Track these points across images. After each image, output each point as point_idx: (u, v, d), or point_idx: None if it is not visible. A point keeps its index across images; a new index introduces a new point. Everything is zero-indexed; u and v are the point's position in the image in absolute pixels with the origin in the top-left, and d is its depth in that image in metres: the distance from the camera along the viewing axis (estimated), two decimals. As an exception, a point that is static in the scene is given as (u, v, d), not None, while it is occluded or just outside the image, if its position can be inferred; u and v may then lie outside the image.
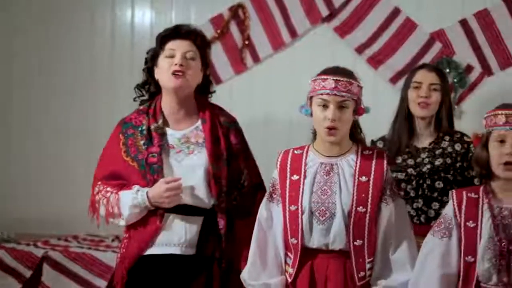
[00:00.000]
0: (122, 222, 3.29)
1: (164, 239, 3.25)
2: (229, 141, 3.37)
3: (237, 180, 3.37)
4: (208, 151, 3.30)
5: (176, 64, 3.27)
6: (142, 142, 3.31)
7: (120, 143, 3.35)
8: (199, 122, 3.37)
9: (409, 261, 3.06)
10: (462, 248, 2.96)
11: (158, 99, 3.38)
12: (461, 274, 2.96)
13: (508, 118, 2.94)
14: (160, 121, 3.33)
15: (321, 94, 3.05)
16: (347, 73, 3.10)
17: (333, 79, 3.04)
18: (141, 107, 3.43)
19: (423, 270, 2.99)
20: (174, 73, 3.27)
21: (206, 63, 3.43)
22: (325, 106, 3.04)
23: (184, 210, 3.27)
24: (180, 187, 3.19)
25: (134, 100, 3.46)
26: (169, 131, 3.34)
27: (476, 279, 2.93)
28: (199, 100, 3.43)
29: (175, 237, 3.26)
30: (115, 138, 3.38)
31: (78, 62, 5.15)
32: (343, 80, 3.04)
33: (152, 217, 3.26)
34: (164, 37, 3.35)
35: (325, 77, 3.07)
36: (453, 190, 3.07)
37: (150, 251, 3.26)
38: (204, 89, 3.47)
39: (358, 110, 3.12)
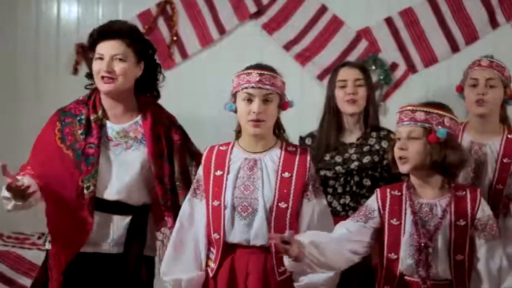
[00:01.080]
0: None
1: (93, 238, 3.20)
2: (171, 139, 3.35)
3: (184, 178, 3.34)
4: (149, 150, 3.27)
5: (103, 70, 3.22)
6: (80, 131, 3.25)
7: (55, 129, 3.28)
8: (139, 117, 3.33)
9: None
10: (386, 244, 3.00)
11: (98, 91, 3.33)
12: (384, 269, 3.01)
13: (413, 114, 2.99)
14: (100, 112, 3.27)
15: (246, 88, 3.07)
16: (270, 68, 3.13)
17: (258, 73, 3.07)
18: (81, 98, 3.36)
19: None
20: (104, 78, 3.23)
21: (145, 56, 3.37)
22: (249, 100, 3.06)
23: (113, 208, 3.24)
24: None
25: (86, 87, 3.39)
26: (108, 123, 3.30)
27: (399, 273, 2.98)
28: (140, 96, 3.39)
29: (103, 236, 3.22)
30: (50, 125, 3.31)
31: (1, 58, 5.03)
32: (267, 74, 3.08)
33: (81, 216, 3.19)
34: (94, 39, 3.29)
35: (249, 71, 3.09)
36: (378, 189, 3.11)
37: (81, 249, 3.21)
38: (145, 82, 3.41)
39: (283, 104, 3.14)
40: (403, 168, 2.99)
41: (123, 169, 3.24)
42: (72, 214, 3.19)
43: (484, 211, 2.99)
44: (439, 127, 2.94)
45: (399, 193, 3.04)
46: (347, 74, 3.72)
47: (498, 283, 2.92)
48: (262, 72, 3.08)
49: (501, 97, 3.55)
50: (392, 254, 2.99)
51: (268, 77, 3.08)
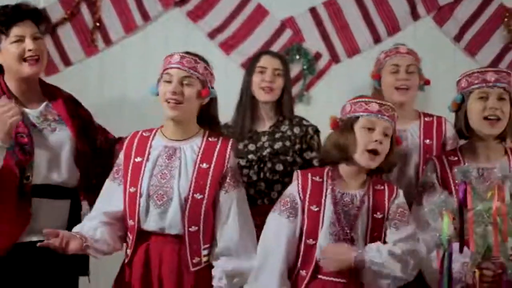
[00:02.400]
0: None
1: (35, 226, 3.14)
2: (82, 116, 3.33)
3: (94, 149, 3.34)
4: (72, 129, 3.24)
5: (30, 50, 3.18)
6: None
7: None
8: (46, 101, 3.30)
9: (252, 247, 3.11)
10: (305, 230, 3.03)
11: (1, 78, 3.26)
12: (301, 254, 3.04)
13: (381, 107, 3.03)
14: (13, 100, 3.18)
15: (167, 69, 3.06)
16: (199, 57, 3.12)
17: (179, 55, 3.07)
18: None
19: (270, 248, 3.05)
20: (29, 60, 3.17)
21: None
22: (169, 81, 3.05)
23: (50, 193, 3.19)
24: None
25: None
26: (26, 110, 3.23)
27: (315, 260, 3.01)
28: (40, 79, 3.37)
29: (46, 222, 3.14)
30: None
31: None
32: (188, 57, 3.08)
33: (19, 206, 3.13)
34: (6, 21, 3.21)
35: (173, 53, 3.09)
36: (298, 171, 3.14)
37: (21, 239, 3.15)
38: None
39: (201, 91, 3.11)
40: (374, 164, 3.01)
41: (55, 152, 3.21)
42: (10, 206, 3.12)
43: (395, 201, 3.05)
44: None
45: (320, 179, 3.07)
46: (268, 62, 3.75)
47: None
48: (184, 55, 3.08)
49: (418, 83, 3.65)
50: (311, 240, 3.02)
51: (189, 60, 3.08)
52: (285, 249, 3.03)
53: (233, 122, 3.79)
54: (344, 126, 3.06)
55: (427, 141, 3.57)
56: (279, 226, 3.06)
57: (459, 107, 3.14)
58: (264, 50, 3.98)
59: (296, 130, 3.71)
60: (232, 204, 3.10)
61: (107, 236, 3.06)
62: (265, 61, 3.76)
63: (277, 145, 3.68)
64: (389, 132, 3.02)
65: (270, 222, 3.10)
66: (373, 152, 2.99)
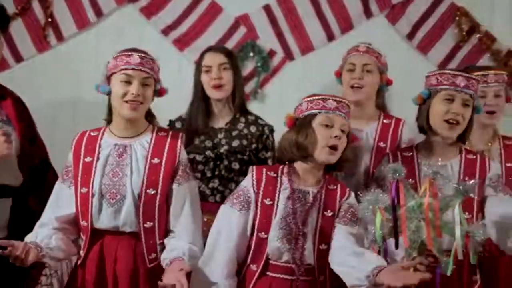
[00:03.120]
0: None
1: None
2: (26, 117, 3.29)
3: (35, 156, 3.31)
4: (18, 131, 3.19)
5: None
6: None
7: None
8: None
9: (201, 239, 3.12)
10: (257, 223, 3.03)
11: None
12: (252, 248, 3.04)
13: (338, 104, 3.05)
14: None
15: (125, 69, 3.04)
16: (146, 53, 3.12)
17: (139, 55, 3.05)
18: None
19: (219, 239, 3.04)
20: None
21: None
22: (128, 82, 3.03)
23: None
24: None
25: None
26: None
27: (266, 255, 3.02)
28: None
29: None
30: None
31: None
32: (148, 58, 3.07)
33: None
34: None
35: (130, 53, 3.07)
36: (254, 166, 3.14)
37: None
38: None
39: (160, 90, 3.15)
40: (334, 159, 3.04)
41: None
42: None
43: (346, 200, 3.08)
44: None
45: (275, 175, 3.08)
46: (212, 59, 3.74)
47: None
48: (143, 55, 3.07)
49: (377, 82, 3.66)
50: (263, 233, 3.03)
51: (149, 61, 3.08)
52: (235, 242, 3.03)
53: (187, 117, 3.77)
54: (302, 124, 3.07)
55: (381, 143, 3.60)
56: (230, 218, 3.06)
57: (424, 101, 3.17)
58: (207, 47, 3.94)
59: (253, 129, 3.71)
60: (186, 196, 3.11)
61: (61, 242, 3.04)
62: (208, 58, 3.75)
63: (235, 143, 3.68)
64: (345, 128, 3.05)
65: (221, 214, 3.11)
66: (333, 148, 3.01)
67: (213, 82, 3.69)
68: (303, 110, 3.10)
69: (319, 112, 3.05)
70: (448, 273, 2.74)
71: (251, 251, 3.04)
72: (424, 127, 3.18)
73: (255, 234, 3.04)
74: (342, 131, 3.03)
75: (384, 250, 2.75)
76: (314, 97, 3.09)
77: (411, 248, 2.72)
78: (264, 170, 3.11)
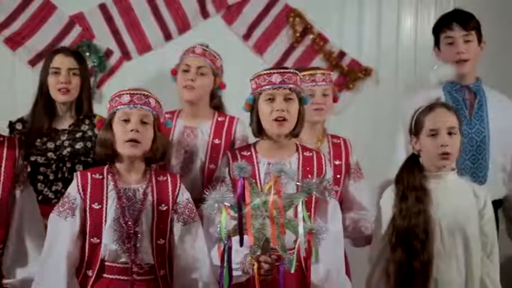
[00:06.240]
0: None
1: None
2: None
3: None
4: None
5: None
6: None
7: None
8: None
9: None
10: (88, 229, 2.99)
11: None
12: (86, 254, 3.00)
13: (132, 97, 3.04)
14: None
15: None
16: None
17: None
18: None
19: (51, 251, 2.98)
20: None
21: None
22: None
23: None
24: None
25: None
26: None
27: (100, 259, 2.99)
28: None
29: None
30: None
31: None
32: None
33: None
34: None
35: None
36: (78, 172, 3.10)
37: None
38: None
39: None
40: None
41: None
42: None
43: (183, 195, 3.10)
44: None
45: (101, 177, 3.05)
46: (61, 62, 3.65)
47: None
48: None
49: (210, 85, 3.71)
50: (95, 238, 2.99)
51: None
52: (66, 251, 2.96)
53: (30, 119, 3.66)
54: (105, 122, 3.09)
55: (216, 140, 3.65)
56: (58, 228, 2.99)
57: (252, 107, 3.22)
58: (58, 48, 3.85)
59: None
60: (26, 203, 3.09)
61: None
62: (59, 61, 3.65)
63: (78, 145, 3.62)
64: (147, 119, 3.04)
65: (51, 224, 3.04)
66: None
67: (60, 85, 3.61)
68: (109, 108, 3.11)
69: (117, 109, 3.04)
70: (292, 270, 2.80)
71: (86, 257, 3.00)
72: (256, 131, 3.23)
73: (87, 240, 2.99)
74: (145, 123, 3.03)
75: (228, 248, 2.78)
76: (114, 95, 3.08)
77: (256, 245, 2.77)
78: (89, 173, 3.07)
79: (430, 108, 3.12)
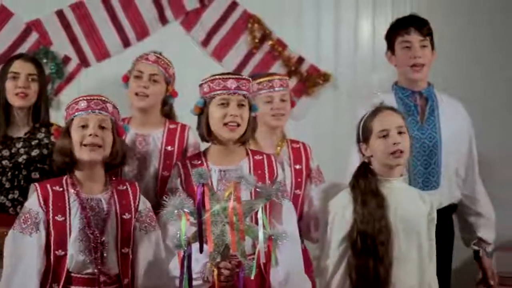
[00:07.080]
0: None
1: None
2: None
3: None
4: None
5: None
6: None
7: None
8: None
9: None
10: (52, 242, 2.96)
11: None
12: (52, 267, 2.96)
13: (89, 103, 3.03)
14: None
15: None
16: None
17: None
18: None
19: (16, 269, 2.93)
20: None
21: None
22: None
23: None
24: None
25: None
26: None
27: (66, 271, 2.96)
28: None
29: None
30: None
31: None
32: None
33: None
34: None
35: None
36: (36, 184, 3.06)
37: None
38: None
39: None
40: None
41: None
42: None
43: (144, 203, 3.10)
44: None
45: (61, 189, 3.02)
46: (21, 67, 3.64)
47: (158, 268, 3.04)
48: None
49: (162, 92, 3.70)
50: (60, 251, 2.96)
51: None
52: (37, 267, 2.93)
53: None
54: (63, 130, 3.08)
55: (169, 147, 3.65)
56: (24, 244, 2.94)
57: (202, 111, 3.22)
58: (17, 54, 3.84)
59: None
60: None
61: None
62: (18, 66, 3.64)
63: (34, 153, 3.58)
64: (105, 124, 3.03)
65: (14, 242, 2.97)
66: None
67: (18, 90, 3.59)
68: (66, 116, 3.10)
69: (75, 116, 3.02)
70: (252, 277, 2.81)
71: (51, 271, 2.96)
72: (205, 135, 3.22)
73: (52, 253, 2.96)
74: (104, 127, 3.02)
75: (188, 255, 2.78)
76: (71, 102, 3.07)
77: (216, 252, 2.77)
78: (49, 185, 3.03)
79: (376, 111, 3.15)
